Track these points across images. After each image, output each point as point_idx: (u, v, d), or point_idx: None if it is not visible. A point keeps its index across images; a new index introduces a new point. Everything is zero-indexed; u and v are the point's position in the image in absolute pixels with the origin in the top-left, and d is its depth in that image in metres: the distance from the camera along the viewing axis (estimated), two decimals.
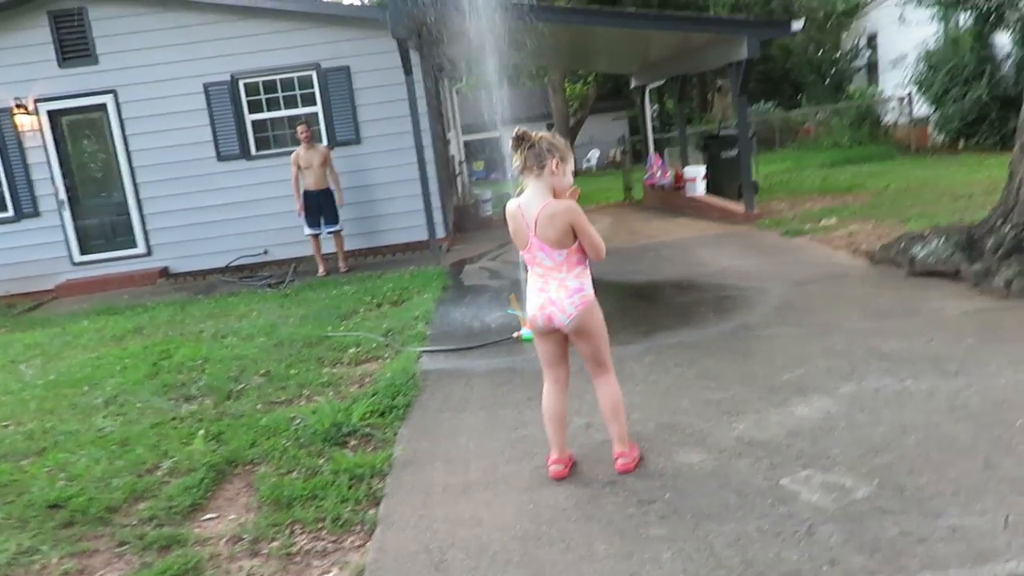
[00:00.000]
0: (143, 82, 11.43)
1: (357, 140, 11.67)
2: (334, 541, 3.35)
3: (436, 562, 3.03)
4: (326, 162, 10.45)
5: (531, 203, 3.46)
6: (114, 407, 5.42)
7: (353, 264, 11.02)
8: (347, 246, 11.07)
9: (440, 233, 11.71)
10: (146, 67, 11.37)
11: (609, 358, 3.65)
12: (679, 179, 13.38)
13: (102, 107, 11.52)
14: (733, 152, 13.39)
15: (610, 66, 19.62)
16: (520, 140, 3.48)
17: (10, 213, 11.67)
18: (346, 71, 11.48)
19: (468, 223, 14.32)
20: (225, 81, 11.46)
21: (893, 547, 2.70)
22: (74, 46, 11.34)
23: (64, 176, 11.65)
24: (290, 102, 11.66)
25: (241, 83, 11.52)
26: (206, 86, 11.47)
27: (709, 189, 13.03)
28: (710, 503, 3.18)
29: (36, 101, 11.41)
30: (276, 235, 11.67)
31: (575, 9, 11.36)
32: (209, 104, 11.53)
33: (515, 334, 6.15)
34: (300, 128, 10.38)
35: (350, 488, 3.74)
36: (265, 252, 11.80)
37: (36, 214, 11.70)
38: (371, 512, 3.54)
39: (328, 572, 3.12)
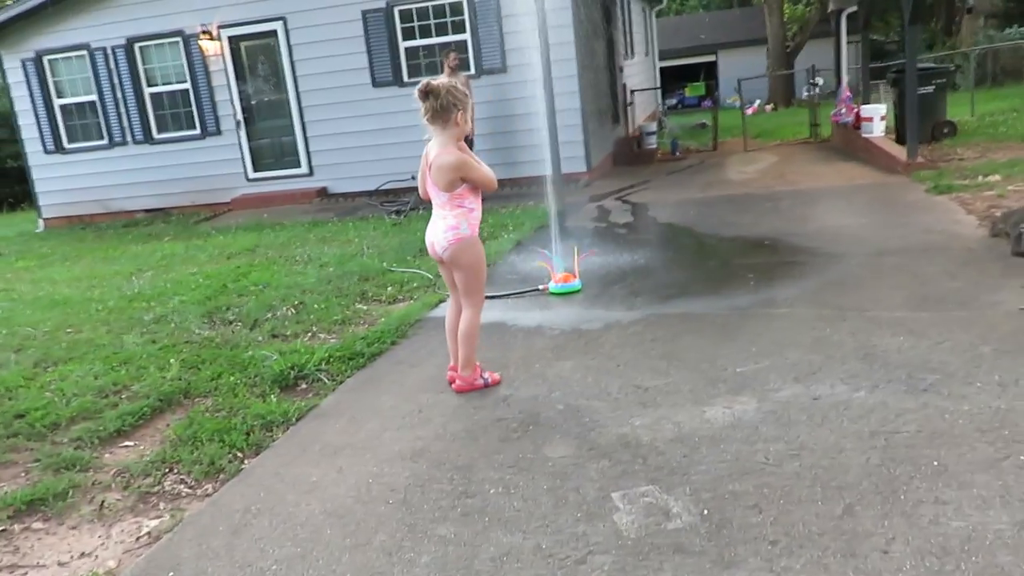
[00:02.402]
0: (309, 9, 11.96)
1: (503, 68, 11.53)
2: (191, 487, 3.49)
3: (238, 525, 3.06)
4: None
5: (433, 150, 3.86)
6: (155, 325, 5.92)
7: (486, 194, 11.02)
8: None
9: (579, 167, 11.44)
10: None
11: (477, 294, 4.06)
12: (858, 117, 11.98)
13: (273, 33, 12.24)
14: (928, 89, 11.77)
15: None
16: (427, 94, 3.74)
17: (197, 131, 12.84)
18: None
19: (628, 157, 13.81)
20: (381, 8, 11.72)
21: None
22: None
23: (241, 99, 12.59)
24: (441, 29, 11.71)
25: (396, 10, 11.72)
26: (364, 13, 11.79)
27: (900, 128, 11.55)
28: (523, 507, 2.93)
29: (219, 27, 12.32)
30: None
31: None
32: (366, 31, 11.86)
33: (541, 286, 5.92)
34: (452, 56, 10.43)
35: (248, 434, 3.85)
36: (412, 178, 12.08)
37: (218, 133, 12.79)
38: (245, 463, 3.63)
39: (160, 517, 3.26)
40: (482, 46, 11.48)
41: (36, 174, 13.68)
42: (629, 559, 2.55)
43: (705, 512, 2.75)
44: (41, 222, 13.81)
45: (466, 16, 11.51)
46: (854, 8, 13.10)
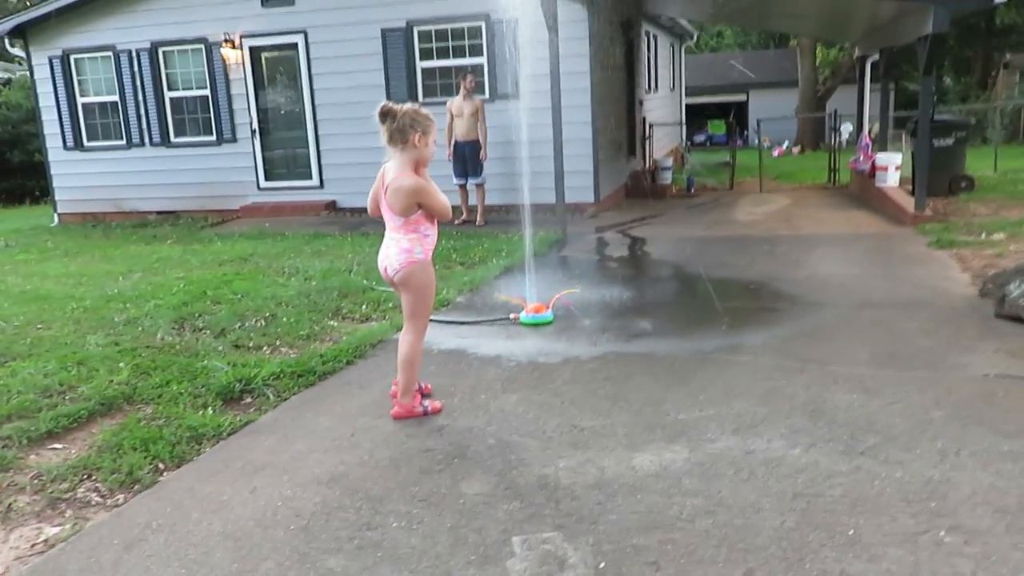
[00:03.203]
0: (330, 24, 12.07)
1: (517, 94, 11.50)
2: (103, 496, 3.42)
3: (134, 540, 2.99)
4: (477, 114, 10.48)
5: (390, 172, 3.82)
6: (123, 327, 5.90)
7: (494, 219, 10.98)
8: (499, 201, 11.04)
9: (587, 198, 11.38)
10: (334, 10, 11.98)
11: (420, 318, 4.02)
12: (873, 166, 11.80)
13: (294, 46, 12.35)
14: (947, 141, 11.58)
15: (818, 32, 17.70)
16: (385, 115, 3.74)
17: (213, 137, 12.96)
18: (513, 24, 11.29)
19: (641, 190, 13.71)
20: (401, 27, 11.78)
21: None
22: None
23: (258, 108, 12.69)
24: (458, 52, 11.75)
25: (415, 30, 11.78)
26: (384, 31, 11.87)
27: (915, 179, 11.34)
28: (420, 544, 2.83)
29: (241, 37, 12.46)
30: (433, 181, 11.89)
31: None
32: (385, 49, 11.93)
33: (512, 315, 5.83)
34: (468, 78, 10.48)
35: (174, 446, 3.78)
36: None
37: (234, 140, 12.90)
38: (164, 475, 3.56)
39: (62, 525, 3.19)
40: (497, 71, 11.48)
41: (54, 169, 13.89)
42: None
43: (601, 566, 2.63)
44: (56, 217, 13.98)
45: (483, 40, 11.54)
46: (877, 56, 12.96)
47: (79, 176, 13.69)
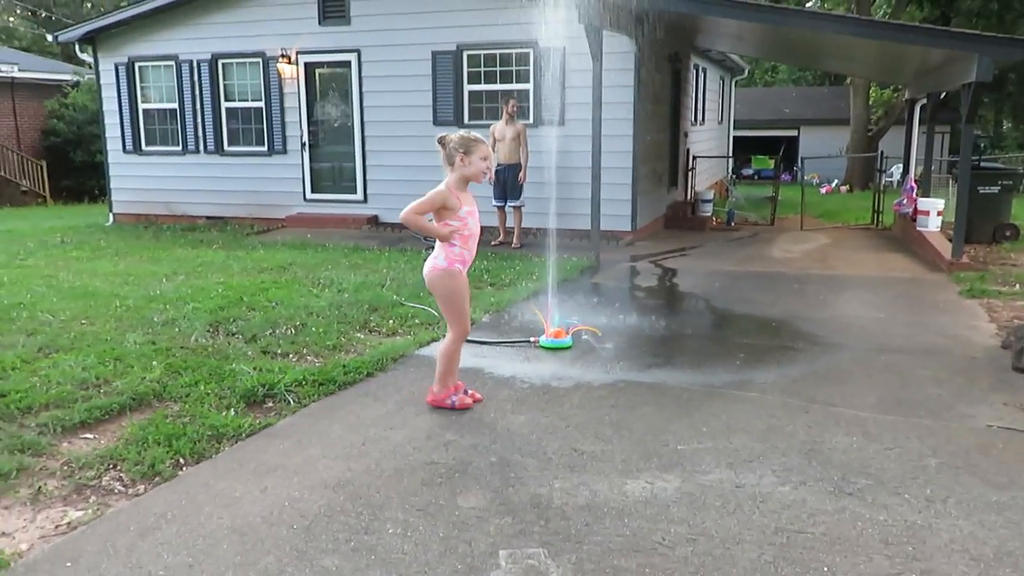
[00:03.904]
0: (383, 44, 12.41)
1: (562, 121, 11.70)
2: (125, 486, 3.64)
3: (148, 528, 3.19)
4: (519, 138, 10.70)
5: None
6: (161, 327, 6.17)
7: (529, 242, 11.15)
8: (534, 224, 11.21)
9: (624, 226, 11.50)
10: (388, 31, 12.33)
11: (454, 322, 4.42)
12: (915, 210, 11.75)
13: (347, 64, 12.71)
14: (993, 189, 11.50)
15: (868, 73, 17.62)
16: (439, 143, 4.36)
17: (264, 148, 13.38)
18: (561, 52, 11.50)
19: (680, 221, 13.79)
20: (451, 51, 12.06)
21: None
22: (333, 6, 12.59)
23: (309, 122, 13.08)
24: (505, 77, 11.99)
25: (465, 54, 12.05)
26: (434, 53, 12.16)
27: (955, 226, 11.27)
28: (412, 551, 2.98)
29: (298, 53, 12.88)
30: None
31: (759, 5, 10.30)
32: (434, 71, 12.22)
33: (533, 339, 5.98)
34: (511, 103, 10.71)
35: (195, 444, 3.99)
36: None
37: (284, 152, 13.30)
38: (183, 470, 3.77)
39: (85, 510, 3.41)
40: (543, 98, 11.69)
41: (113, 171, 14.43)
42: None
43: None
44: (111, 216, 14.51)
45: (531, 67, 11.76)
46: (925, 100, 12.91)
47: (135, 179, 14.22)
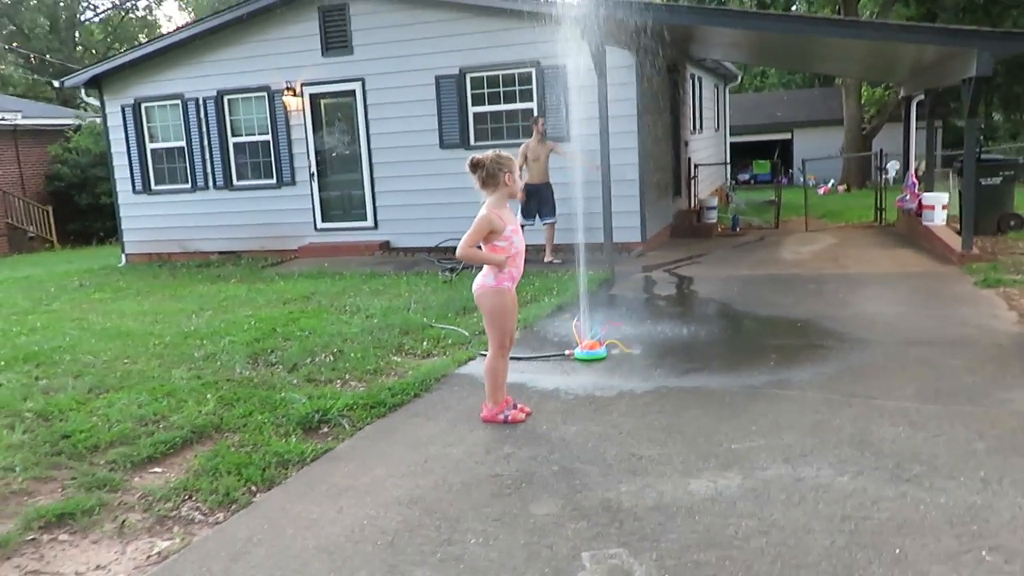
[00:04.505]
0: (386, 72, 12.62)
1: (567, 138, 11.88)
2: (205, 514, 3.76)
3: (238, 553, 3.31)
4: (548, 156, 10.85)
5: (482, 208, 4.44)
6: (203, 362, 6.31)
7: (563, 258, 11.07)
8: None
9: (634, 238, 11.66)
10: (390, 59, 12.54)
11: (496, 338, 4.53)
12: (920, 205, 11.92)
13: (351, 93, 12.92)
14: (995, 180, 11.70)
15: (862, 74, 17.88)
16: (475, 166, 4.42)
17: (273, 181, 13.56)
18: (562, 70, 11.70)
19: (687, 230, 13.96)
20: (454, 74, 12.27)
21: None
22: (336, 38, 12.81)
23: (316, 152, 13.26)
24: (509, 97, 12.20)
25: (468, 77, 12.26)
26: (437, 78, 12.37)
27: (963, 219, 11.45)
28: (498, 558, 3.11)
29: (302, 85, 13.08)
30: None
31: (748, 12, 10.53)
32: (438, 95, 12.43)
33: (567, 351, 6.12)
34: (541, 122, 10.84)
35: (264, 470, 4.12)
36: None
37: (293, 183, 13.49)
38: (257, 496, 3.89)
39: (171, 539, 3.53)
40: (547, 115, 11.87)
41: (124, 212, 14.60)
42: None
43: None
44: (124, 257, 14.66)
45: (533, 86, 11.96)
46: (922, 96, 13.12)
47: (146, 218, 14.39)
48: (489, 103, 12.29)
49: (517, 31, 11.80)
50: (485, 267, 4.54)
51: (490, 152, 4.46)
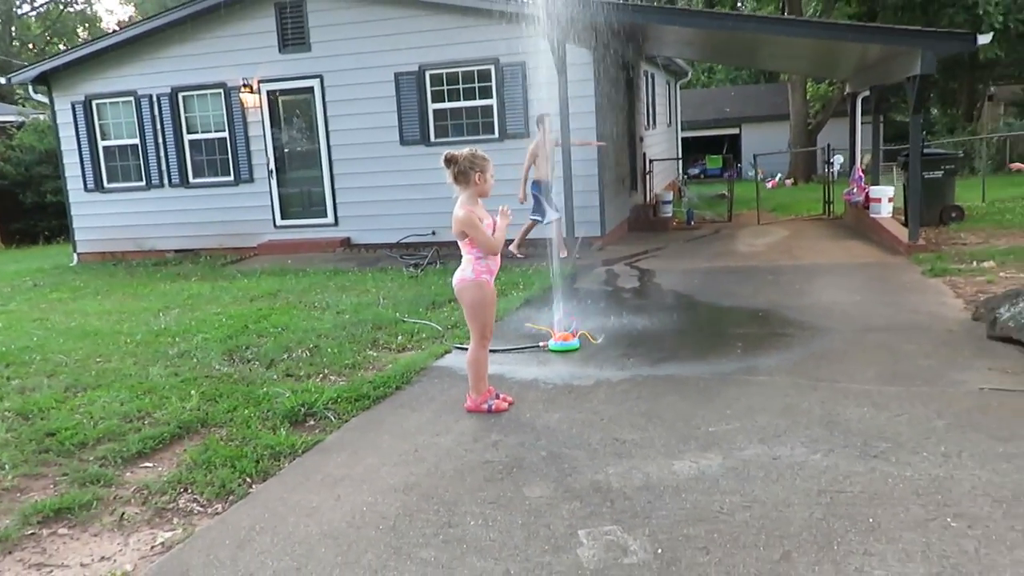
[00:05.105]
0: (345, 69, 12.63)
1: (526, 134, 12.04)
2: (203, 505, 3.84)
3: (243, 540, 3.41)
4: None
5: (456, 206, 4.56)
6: (178, 359, 6.33)
7: (509, 253, 11.15)
8: (512, 235, 11.29)
9: (594, 232, 11.88)
10: (349, 55, 12.55)
11: (477, 330, 4.69)
12: (867, 198, 12.37)
13: (310, 90, 12.90)
14: (937, 173, 12.18)
15: (809, 70, 18.41)
16: (449, 161, 4.53)
17: (231, 178, 13.47)
18: (521, 67, 11.87)
19: (643, 224, 14.24)
20: (414, 71, 12.34)
21: None
22: (293, 35, 12.77)
23: (274, 149, 13.21)
24: (468, 94, 12.30)
25: (427, 74, 12.34)
26: (397, 75, 12.42)
27: (907, 210, 11.91)
28: (498, 537, 3.26)
29: (259, 82, 13.02)
30: (445, 218, 12.23)
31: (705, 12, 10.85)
32: (398, 92, 12.48)
33: (541, 343, 6.28)
34: (547, 119, 10.67)
35: (258, 462, 4.21)
36: (433, 233, 12.57)
37: (251, 180, 13.40)
38: (253, 488, 3.98)
39: (173, 530, 3.61)
40: (507, 112, 12.03)
41: (75, 210, 14.35)
42: None
43: (659, 551, 3.06)
44: (75, 256, 14.41)
45: (493, 83, 12.09)
46: (867, 92, 13.58)
47: (99, 217, 14.16)
48: (449, 100, 12.38)
49: (477, 28, 11.94)
50: (464, 261, 4.67)
51: (467, 150, 4.56)
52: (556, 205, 10.60)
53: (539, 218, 10.81)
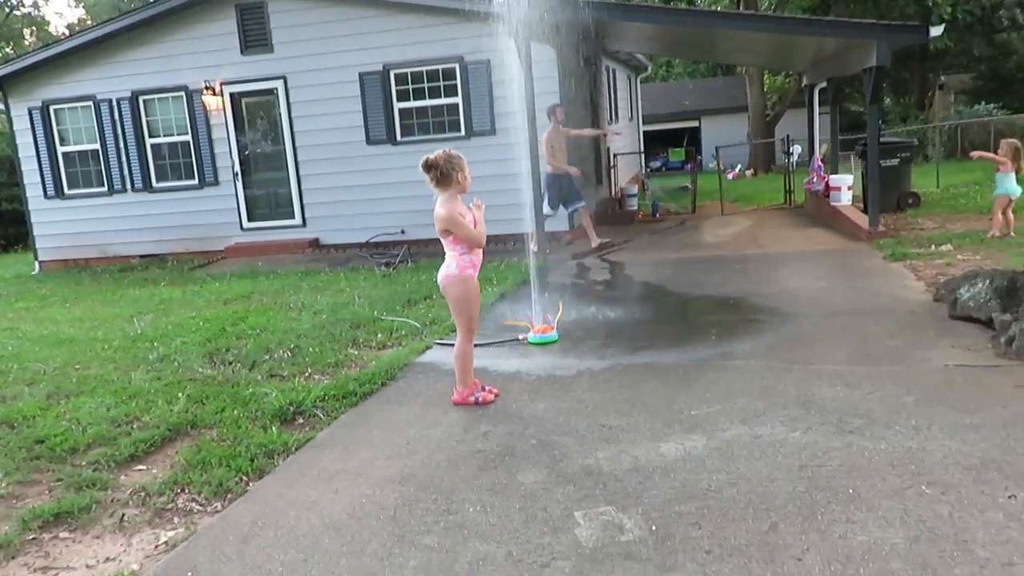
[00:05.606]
0: (309, 70, 12.62)
1: (492, 131, 12.15)
2: (202, 504, 3.90)
3: (247, 536, 3.48)
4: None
5: (437, 206, 4.67)
6: (160, 364, 6.34)
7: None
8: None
9: (563, 226, 12.02)
10: (312, 56, 12.54)
11: (463, 324, 4.79)
12: (827, 186, 12.68)
13: (273, 91, 12.88)
14: (893, 161, 12.53)
15: (766, 63, 18.79)
16: (429, 167, 4.64)
17: (195, 181, 13.39)
18: (486, 65, 11.96)
19: (610, 217, 14.41)
20: (378, 71, 12.37)
21: None
22: (255, 36, 12.73)
23: (239, 151, 13.16)
24: (434, 92, 12.37)
25: (392, 73, 12.38)
26: (361, 75, 12.45)
27: (866, 198, 12.23)
28: (498, 522, 3.38)
29: (222, 84, 12.95)
30: (413, 216, 12.38)
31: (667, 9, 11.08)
32: (363, 92, 12.51)
33: (521, 336, 6.41)
34: (559, 110, 10.77)
35: (252, 460, 4.27)
36: (402, 232, 12.65)
37: (216, 183, 13.34)
38: (250, 485, 4.05)
39: (175, 529, 3.67)
40: (473, 110, 12.12)
41: (35, 218, 14.15)
42: (586, 564, 3.00)
43: (653, 528, 3.21)
44: (37, 264, 14.21)
45: (458, 81, 12.18)
46: (824, 84, 13.91)
47: (60, 223, 13.98)
48: (415, 99, 12.44)
49: (440, 27, 12.02)
50: (448, 258, 4.78)
51: (441, 152, 4.64)
52: (552, 201, 10.79)
53: (582, 203, 10.93)
